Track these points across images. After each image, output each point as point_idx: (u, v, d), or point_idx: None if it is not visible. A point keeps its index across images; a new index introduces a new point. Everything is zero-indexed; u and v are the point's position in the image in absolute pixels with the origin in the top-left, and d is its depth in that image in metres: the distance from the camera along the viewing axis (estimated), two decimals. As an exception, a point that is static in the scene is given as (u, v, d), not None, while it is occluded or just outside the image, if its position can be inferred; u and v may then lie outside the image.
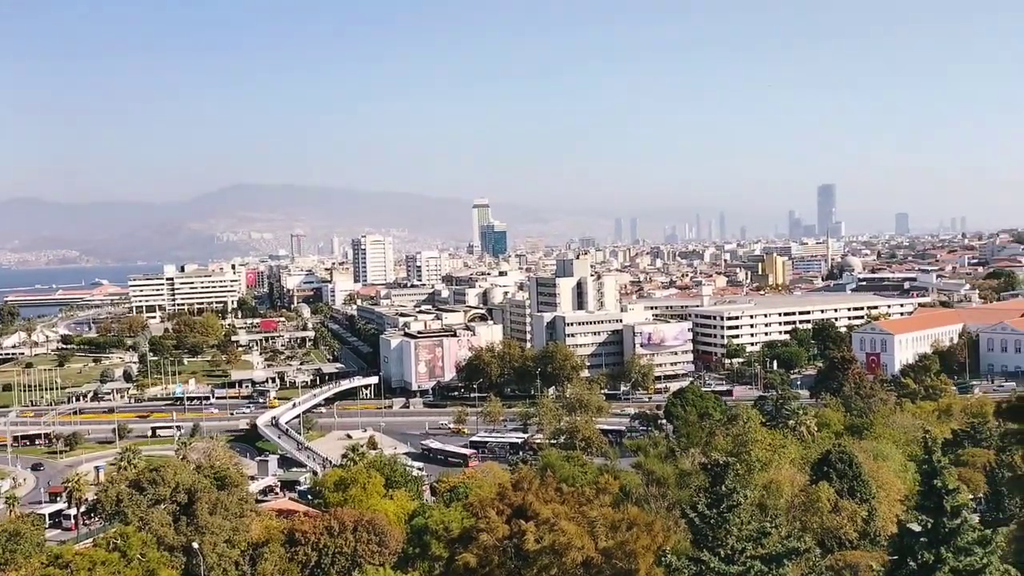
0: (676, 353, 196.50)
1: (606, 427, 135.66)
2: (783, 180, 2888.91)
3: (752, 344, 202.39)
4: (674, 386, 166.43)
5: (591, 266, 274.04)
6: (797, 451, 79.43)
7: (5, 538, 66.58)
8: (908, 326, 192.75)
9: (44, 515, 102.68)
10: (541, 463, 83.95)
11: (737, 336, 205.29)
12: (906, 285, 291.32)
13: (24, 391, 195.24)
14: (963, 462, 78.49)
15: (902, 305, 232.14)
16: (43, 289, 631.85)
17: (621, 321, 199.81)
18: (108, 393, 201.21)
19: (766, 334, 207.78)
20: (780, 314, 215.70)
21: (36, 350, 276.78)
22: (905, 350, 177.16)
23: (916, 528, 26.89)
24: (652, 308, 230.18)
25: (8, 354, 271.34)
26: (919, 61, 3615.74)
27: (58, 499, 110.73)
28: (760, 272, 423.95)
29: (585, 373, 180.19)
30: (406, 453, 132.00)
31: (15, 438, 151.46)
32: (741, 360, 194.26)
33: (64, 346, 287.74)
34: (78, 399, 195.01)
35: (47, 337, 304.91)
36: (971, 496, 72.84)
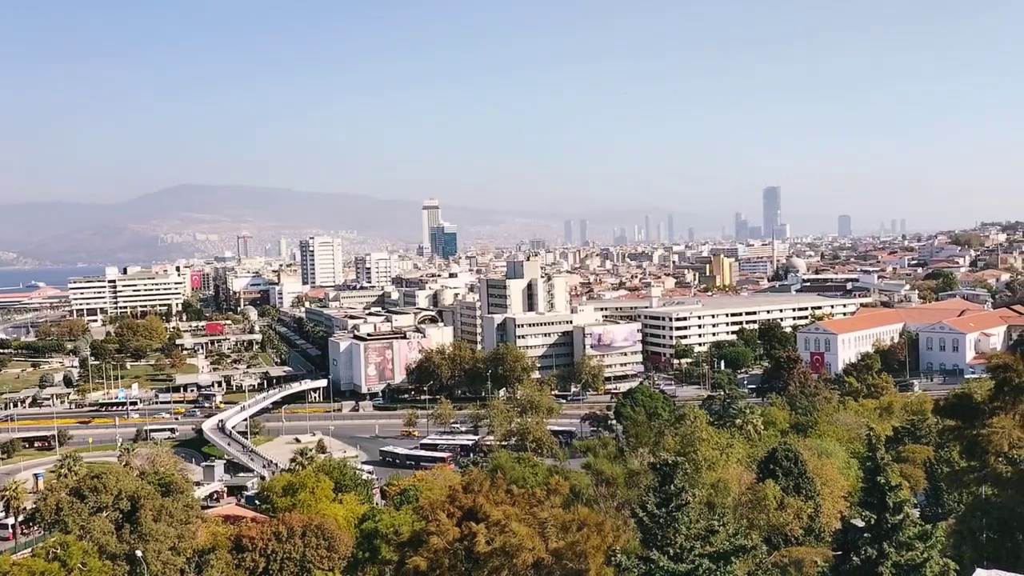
0: (626, 354, 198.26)
1: (557, 428, 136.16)
2: (730, 183, 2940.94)
3: (700, 344, 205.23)
4: (624, 386, 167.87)
5: (541, 268, 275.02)
6: (744, 450, 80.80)
7: (-64, 550, 64.04)
8: (851, 326, 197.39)
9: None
10: (491, 465, 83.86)
11: (685, 336, 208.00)
12: (849, 286, 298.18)
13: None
14: (904, 458, 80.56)
15: (845, 305, 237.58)
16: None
17: (571, 322, 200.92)
18: (47, 398, 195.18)
19: (714, 334, 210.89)
20: (727, 315, 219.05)
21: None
22: (848, 349, 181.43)
23: (860, 524, 27.49)
24: (602, 309, 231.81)
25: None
26: (862, 67, 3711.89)
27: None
28: (708, 273, 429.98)
29: (536, 374, 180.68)
30: (364, 462, 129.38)
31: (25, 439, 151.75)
32: (690, 360, 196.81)
33: (1, 350, 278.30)
34: (16, 405, 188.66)
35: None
36: (912, 492, 75.05)
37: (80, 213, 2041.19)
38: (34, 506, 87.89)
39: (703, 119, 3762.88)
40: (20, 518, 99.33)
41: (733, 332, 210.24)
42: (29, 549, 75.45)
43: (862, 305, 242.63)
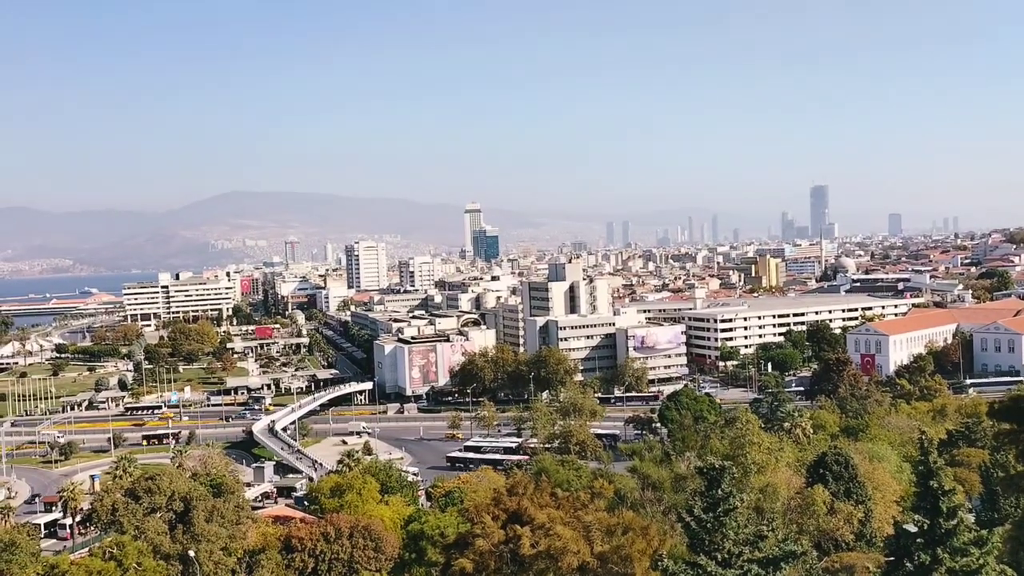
0: (669, 356, 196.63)
1: (600, 431, 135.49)
2: (775, 182, 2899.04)
3: (746, 346, 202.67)
4: (668, 389, 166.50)
5: (583, 270, 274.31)
6: (793, 453, 79.66)
7: (0, 548, 66.23)
8: (902, 327, 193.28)
9: (39, 525, 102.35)
10: (536, 468, 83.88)
11: (731, 338, 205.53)
12: (900, 286, 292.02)
13: (19, 400, 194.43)
14: (958, 462, 78.65)
15: (896, 306, 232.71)
16: (37, 298, 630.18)
17: (614, 325, 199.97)
18: (103, 402, 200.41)
19: (760, 336, 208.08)
20: (774, 316, 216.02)
21: (30, 359, 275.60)
22: (899, 351, 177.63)
23: (912, 529, 26.98)
24: (645, 311, 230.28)
25: (2, 364, 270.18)
26: (910, 63, 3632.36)
27: (53, 509, 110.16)
28: (753, 274, 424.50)
29: (579, 377, 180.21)
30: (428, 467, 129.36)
31: (145, 438, 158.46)
32: (735, 362, 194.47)
33: (58, 355, 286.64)
34: (72, 408, 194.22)
35: (41, 346, 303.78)
36: (967, 496, 73.20)
37: (133, 220, 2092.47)
38: (90, 507, 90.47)
39: (748, 118, 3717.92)
40: (77, 518, 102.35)
41: (780, 334, 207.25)
42: (86, 549, 77.61)
43: (914, 305, 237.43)
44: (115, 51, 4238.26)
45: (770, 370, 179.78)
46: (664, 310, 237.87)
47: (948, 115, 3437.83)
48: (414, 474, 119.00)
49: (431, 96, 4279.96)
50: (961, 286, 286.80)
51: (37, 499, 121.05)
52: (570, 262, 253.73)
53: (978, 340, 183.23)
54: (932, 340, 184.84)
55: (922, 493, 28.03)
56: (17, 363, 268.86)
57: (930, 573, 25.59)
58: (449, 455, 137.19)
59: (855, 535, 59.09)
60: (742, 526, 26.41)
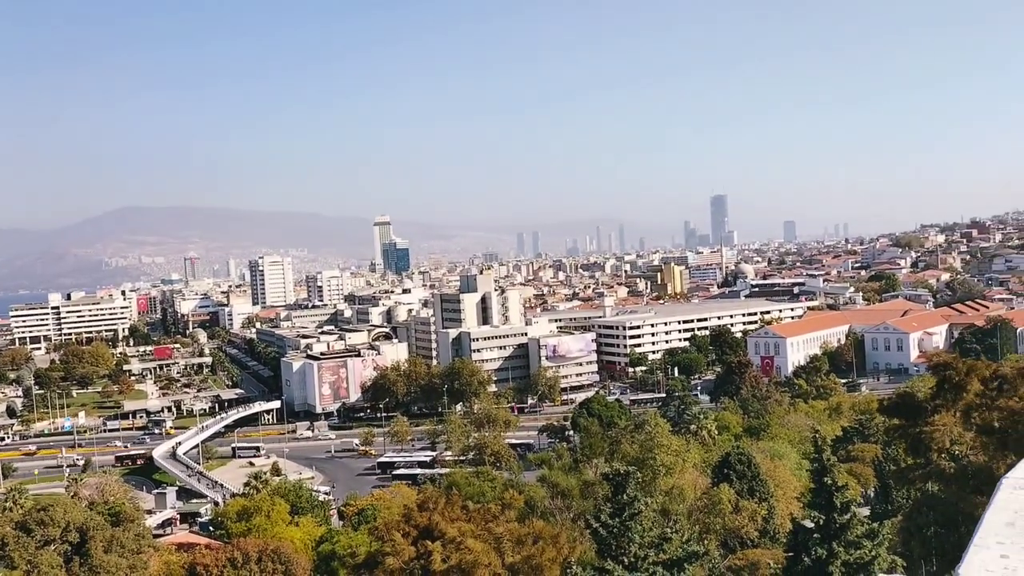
0: (581, 364, 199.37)
1: (515, 441, 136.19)
2: (678, 192, 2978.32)
3: (654, 352, 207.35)
4: (580, 397, 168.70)
5: (495, 281, 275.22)
6: (699, 455, 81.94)
7: None
8: (798, 329, 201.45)
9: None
10: (446, 482, 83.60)
11: (639, 345, 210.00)
12: (796, 290, 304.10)
13: None
14: (854, 457, 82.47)
15: (792, 309, 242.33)
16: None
17: (526, 335, 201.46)
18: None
19: (667, 342, 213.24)
20: (679, 322, 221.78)
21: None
22: (797, 352, 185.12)
23: (809, 525, 28.14)
24: (556, 320, 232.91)
25: None
26: (798, 72, 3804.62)
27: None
28: (659, 281, 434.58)
29: (492, 388, 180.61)
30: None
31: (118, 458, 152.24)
32: (644, 368, 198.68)
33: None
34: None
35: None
36: (863, 490, 76.81)
37: (20, 239, 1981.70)
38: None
39: (650, 130, 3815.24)
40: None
41: (686, 339, 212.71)
42: (-29, 588, 72.69)
43: (809, 308, 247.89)
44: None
45: (676, 374, 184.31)
46: (575, 319, 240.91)
47: (835, 125, 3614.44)
48: (325, 493, 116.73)
49: (334, 105, 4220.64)
50: (852, 289, 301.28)
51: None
52: (481, 273, 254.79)
53: (869, 340, 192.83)
54: (827, 341, 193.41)
55: (817, 489, 29.27)
56: None
57: (827, 567, 26.74)
58: (380, 461, 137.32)
59: (759, 532, 61.12)
60: (648, 529, 27.01)
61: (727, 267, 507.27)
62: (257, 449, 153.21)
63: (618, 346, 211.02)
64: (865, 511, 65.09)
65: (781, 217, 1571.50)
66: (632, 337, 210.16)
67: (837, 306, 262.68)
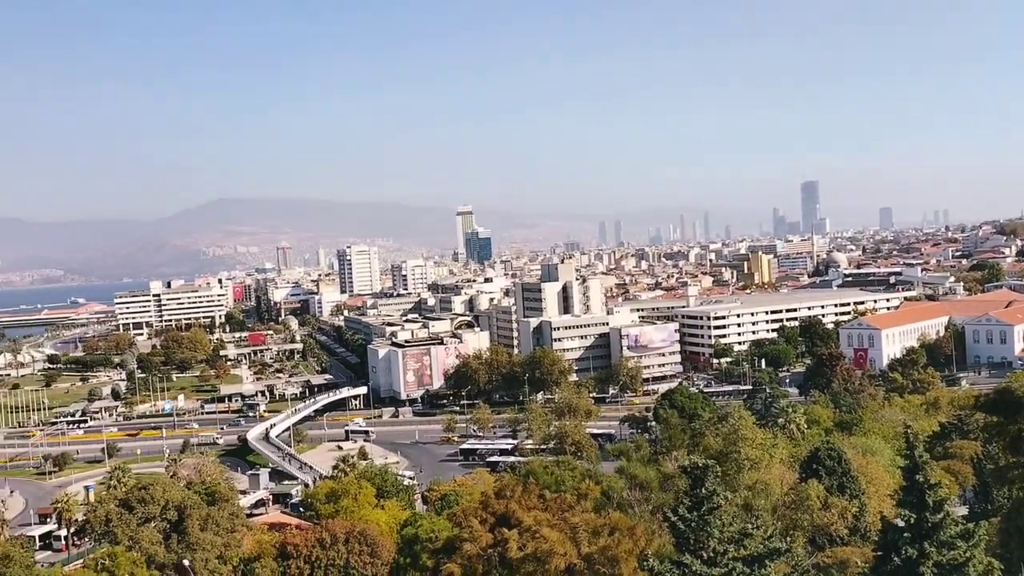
0: (664, 355, 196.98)
1: (596, 431, 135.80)
2: (767, 178, 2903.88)
3: (740, 343, 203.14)
4: (663, 387, 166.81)
5: (576, 270, 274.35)
6: (787, 449, 79.80)
7: (-6, 561, 65.97)
8: (894, 320, 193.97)
9: (34, 537, 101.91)
10: (524, 470, 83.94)
11: (724, 335, 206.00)
12: (891, 279, 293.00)
13: (11, 412, 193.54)
14: (951, 455, 78.95)
15: (888, 300, 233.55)
16: (28, 309, 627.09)
17: (607, 324, 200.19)
18: (97, 412, 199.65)
19: (753, 333, 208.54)
20: (767, 312, 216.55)
21: (22, 371, 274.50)
22: (892, 344, 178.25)
23: (899, 523, 27.12)
24: (638, 310, 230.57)
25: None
26: (898, 58, 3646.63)
27: (47, 520, 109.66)
28: (746, 271, 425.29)
29: (573, 377, 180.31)
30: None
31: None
32: (729, 359, 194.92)
33: (51, 366, 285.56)
34: (68, 421, 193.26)
35: (33, 358, 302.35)
36: (961, 489, 73.48)
37: (124, 229, 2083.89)
38: (85, 518, 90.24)
39: (738, 115, 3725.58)
40: (72, 529, 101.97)
41: (773, 330, 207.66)
42: (81, 560, 77.25)
43: (906, 299, 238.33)
44: (102, 62, 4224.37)
45: (764, 366, 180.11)
46: (657, 308, 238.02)
47: (937, 108, 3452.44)
48: (410, 478, 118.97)
49: (421, 98, 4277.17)
50: (952, 279, 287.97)
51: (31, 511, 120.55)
52: (563, 262, 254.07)
53: (970, 332, 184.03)
54: (924, 333, 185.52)
55: (908, 487, 28.19)
56: (9, 375, 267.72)
57: (917, 567, 25.74)
58: (462, 448, 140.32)
59: (849, 530, 59.25)
60: (727, 524, 26.47)
61: (818, 256, 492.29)
62: (367, 433, 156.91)
63: (702, 337, 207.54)
64: (963, 511, 62.38)
65: (877, 204, 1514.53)
66: (717, 327, 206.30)
67: (936, 297, 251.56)
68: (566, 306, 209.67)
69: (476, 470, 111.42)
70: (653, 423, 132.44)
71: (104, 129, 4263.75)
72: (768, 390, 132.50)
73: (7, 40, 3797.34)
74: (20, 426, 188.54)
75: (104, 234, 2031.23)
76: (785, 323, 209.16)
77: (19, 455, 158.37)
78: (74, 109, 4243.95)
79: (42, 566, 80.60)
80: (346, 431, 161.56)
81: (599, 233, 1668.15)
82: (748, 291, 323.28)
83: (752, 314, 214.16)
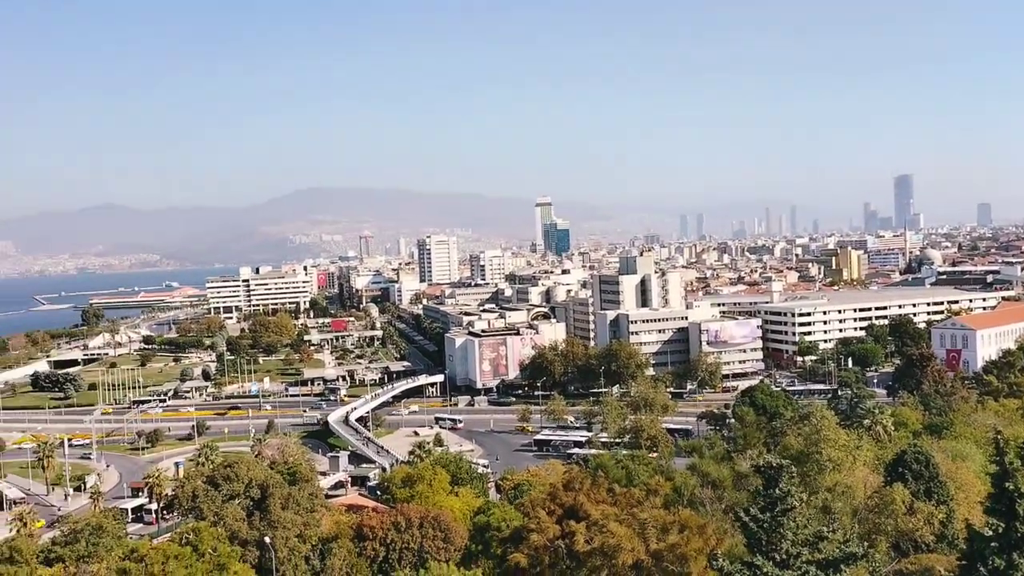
0: (745, 351, 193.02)
1: (672, 426, 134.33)
2: (857, 172, 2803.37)
3: (825, 341, 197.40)
4: (743, 384, 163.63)
5: (655, 263, 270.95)
6: (872, 451, 77.13)
7: (88, 532, 69.55)
8: (991, 321, 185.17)
9: (127, 509, 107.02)
10: (593, 464, 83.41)
11: (809, 333, 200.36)
12: (989, 278, 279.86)
13: (108, 390, 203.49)
14: (1049, 463, 74.84)
15: (984, 299, 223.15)
16: (126, 292, 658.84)
17: (686, 318, 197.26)
18: (188, 391, 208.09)
19: (840, 331, 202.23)
20: (855, 310, 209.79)
21: (120, 351, 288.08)
22: (988, 346, 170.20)
23: (987, 532, 25.88)
24: (719, 305, 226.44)
25: (94, 354, 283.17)
26: (1001, 45, 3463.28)
27: (140, 494, 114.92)
28: (834, 267, 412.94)
29: (650, 371, 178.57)
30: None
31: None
32: (814, 358, 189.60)
33: (146, 346, 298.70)
34: (159, 397, 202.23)
35: (130, 338, 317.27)
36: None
37: (216, 216, 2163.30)
38: (173, 493, 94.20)
39: (827, 106, 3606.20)
40: (162, 504, 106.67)
41: (861, 328, 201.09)
42: (169, 534, 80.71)
43: (1003, 299, 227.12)
44: (196, 58, 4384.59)
45: (850, 365, 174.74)
46: (739, 304, 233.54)
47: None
48: (484, 466, 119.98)
49: (499, 90, 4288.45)
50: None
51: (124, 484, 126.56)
52: (642, 255, 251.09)
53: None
54: (1023, 335, 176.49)
55: (997, 495, 26.85)
56: (107, 354, 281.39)
57: (1006, 578, 24.50)
58: (537, 438, 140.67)
59: (936, 536, 56.93)
60: (802, 526, 25.65)
61: (911, 252, 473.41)
62: (456, 420, 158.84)
63: (786, 333, 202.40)
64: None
65: (974, 199, 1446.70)
66: (802, 324, 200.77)
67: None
68: (644, 299, 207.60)
69: (549, 461, 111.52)
70: (732, 420, 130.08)
71: (201, 121, 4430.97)
72: (854, 390, 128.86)
73: (116, 36, 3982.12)
74: (116, 403, 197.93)
75: (198, 221, 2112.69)
76: (874, 321, 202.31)
77: (115, 430, 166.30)
78: (173, 101, 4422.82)
79: (132, 538, 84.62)
80: (436, 418, 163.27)
81: (680, 226, 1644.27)
82: (835, 288, 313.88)
83: (839, 311, 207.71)
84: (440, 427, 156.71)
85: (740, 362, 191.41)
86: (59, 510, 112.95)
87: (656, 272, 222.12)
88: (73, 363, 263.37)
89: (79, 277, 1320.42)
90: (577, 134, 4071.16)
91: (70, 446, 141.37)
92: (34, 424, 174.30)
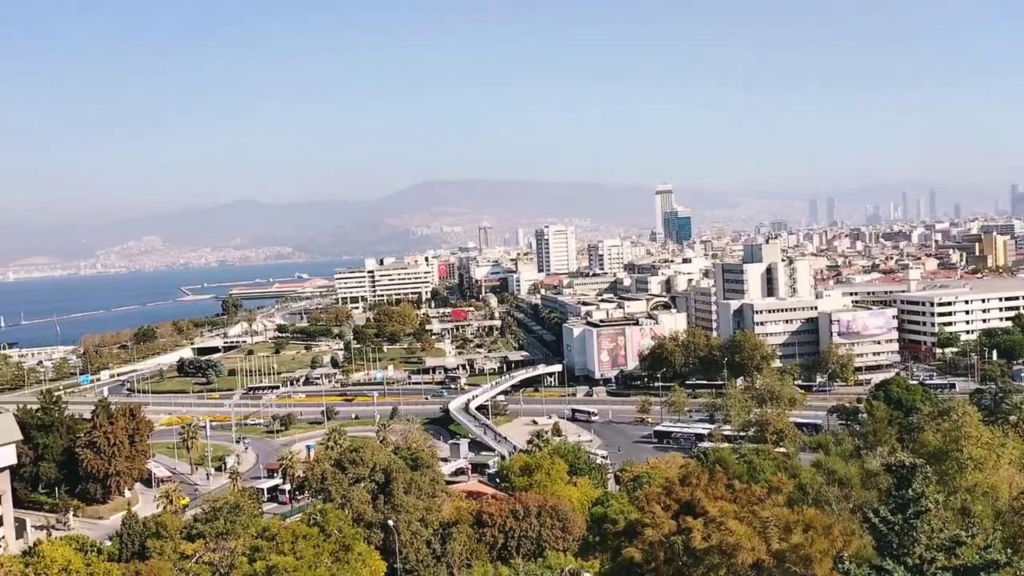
0: (879, 342, 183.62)
1: (801, 420, 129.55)
2: (1004, 151, 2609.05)
3: (967, 332, 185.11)
4: (877, 377, 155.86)
5: (782, 251, 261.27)
6: (1019, 449, 71.69)
7: (227, 510, 73.79)
8: None
9: (263, 489, 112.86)
10: (712, 458, 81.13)
11: (950, 324, 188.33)
12: None
13: (246, 376, 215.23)
14: None
15: None
16: (262, 283, 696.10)
17: (816, 308, 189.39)
18: (318, 378, 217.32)
19: (984, 321, 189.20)
20: (1000, 299, 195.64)
21: (256, 338, 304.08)
22: None
23: None
24: (851, 294, 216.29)
25: (233, 342, 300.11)
26: None
27: (274, 475, 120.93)
28: (977, 253, 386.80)
29: (776, 363, 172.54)
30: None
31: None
32: (955, 350, 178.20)
33: (280, 335, 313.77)
34: (291, 383, 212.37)
35: (265, 327, 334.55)
36: None
37: (343, 209, 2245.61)
38: (303, 475, 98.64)
39: (970, 80, 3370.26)
40: (293, 485, 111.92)
41: (1008, 318, 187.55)
42: (299, 514, 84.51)
43: None
44: (325, 57, 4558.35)
45: (995, 358, 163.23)
46: (873, 293, 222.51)
47: None
48: (603, 457, 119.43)
49: (618, 79, 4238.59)
50: None
51: (261, 465, 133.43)
52: (767, 242, 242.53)
53: None
54: None
55: None
56: (245, 341, 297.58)
57: None
58: (657, 430, 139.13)
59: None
60: (938, 530, 23.93)
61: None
62: (590, 413, 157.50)
63: (924, 324, 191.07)
64: None
65: None
66: (942, 314, 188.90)
67: None
68: (770, 288, 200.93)
69: (670, 453, 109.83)
70: (864, 415, 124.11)
71: (328, 117, 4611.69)
72: (999, 384, 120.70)
73: (248, 41, 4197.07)
74: (253, 389, 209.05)
75: (327, 214, 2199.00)
76: (1022, 312, 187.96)
77: (252, 413, 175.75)
78: (304, 99, 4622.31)
79: (266, 517, 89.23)
80: (572, 410, 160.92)
81: (809, 212, 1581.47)
82: (979, 275, 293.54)
83: (983, 300, 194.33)
84: (577, 419, 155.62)
85: (874, 354, 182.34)
86: (197, 489, 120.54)
87: (783, 260, 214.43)
88: (214, 350, 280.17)
89: (219, 269, 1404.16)
90: (700, 120, 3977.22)
91: (211, 428, 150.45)
92: (179, 407, 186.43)
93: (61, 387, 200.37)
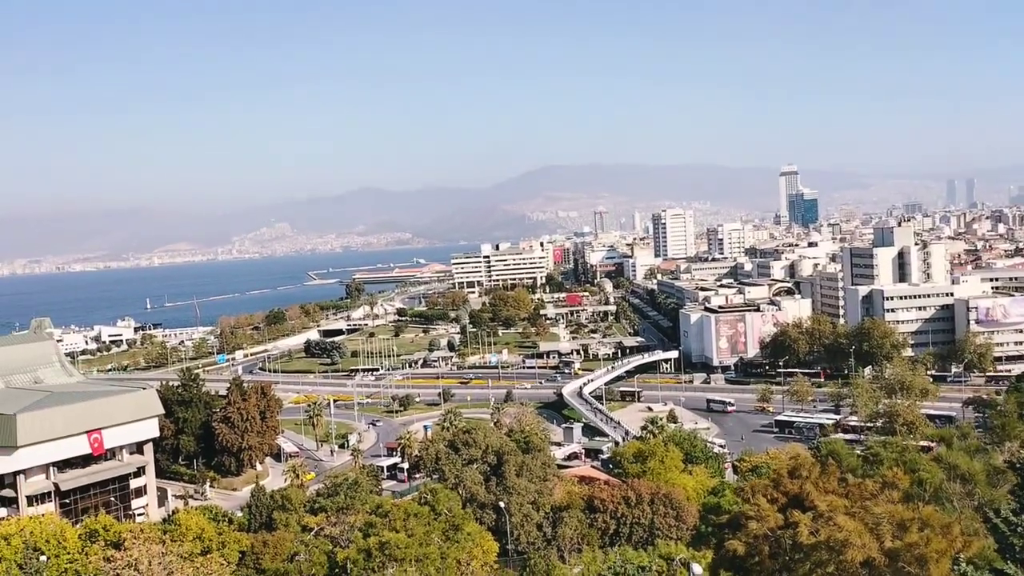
0: (1021, 331, 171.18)
1: (933, 412, 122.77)
2: None
3: None
4: (1019, 368, 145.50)
5: (916, 234, 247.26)
6: None
7: (347, 486, 76.76)
8: None
9: (382, 467, 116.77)
10: (825, 450, 77.60)
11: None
12: None
13: (368, 357, 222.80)
14: None
15: None
16: (383, 268, 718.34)
17: (952, 295, 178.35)
18: (435, 361, 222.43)
19: None
20: None
21: (377, 321, 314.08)
22: None
23: None
24: (992, 280, 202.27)
25: (356, 325, 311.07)
26: None
27: (394, 454, 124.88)
28: None
29: (907, 352, 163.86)
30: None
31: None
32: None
33: (399, 318, 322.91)
34: (410, 365, 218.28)
35: (386, 310, 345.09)
36: None
37: (462, 196, 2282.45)
38: (419, 455, 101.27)
39: None
40: (409, 464, 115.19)
41: None
42: (415, 492, 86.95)
43: None
44: (445, 47, 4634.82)
45: None
46: (1016, 279, 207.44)
47: None
48: (720, 445, 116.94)
49: (735, 54, 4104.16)
50: None
51: (381, 444, 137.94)
52: (899, 225, 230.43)
53: None
54: None
55: None
56: (367, 324, 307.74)
57: None
58: (778, 419, 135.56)
59: None
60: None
61: None
62: (726, 403, 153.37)
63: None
64: None
65: None
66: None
67: None
68: (902, 274, 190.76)
69: (791, 444, 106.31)
70: (1002, 407, 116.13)
71: (448, 105, 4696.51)
72: None
73: (364, 37, 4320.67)
74: (375, 370, 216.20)
75: (445, 201, 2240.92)
76: None
77: (374, 393, 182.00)
78: (423, 90, 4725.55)
79: (385, 494, 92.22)
80: (707, 401, 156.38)
81: (947, 193, 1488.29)
82: None
83: None
84: (713, 409, 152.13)
85: (1016, 343, 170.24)
86: (322, 464, 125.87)
87: (916, 244, 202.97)
88: (338, 332, 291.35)
89: (343, 254, 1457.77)
90: (828, 98, 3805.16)
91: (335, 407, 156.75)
92: (306, 387, 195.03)
93: (200, 365, 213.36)
